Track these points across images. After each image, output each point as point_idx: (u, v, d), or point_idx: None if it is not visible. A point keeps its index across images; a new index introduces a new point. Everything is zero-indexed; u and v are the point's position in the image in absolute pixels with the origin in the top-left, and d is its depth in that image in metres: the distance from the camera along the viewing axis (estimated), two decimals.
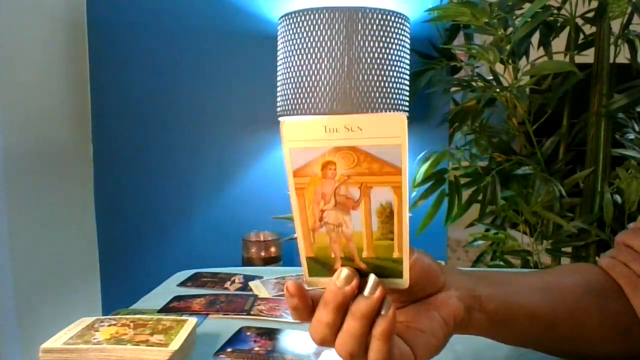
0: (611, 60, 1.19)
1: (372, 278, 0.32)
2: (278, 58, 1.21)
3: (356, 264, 0.33)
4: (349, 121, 0.29)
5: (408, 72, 1.20)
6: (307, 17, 1.10)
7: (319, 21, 1.10)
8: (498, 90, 1.21)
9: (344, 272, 0.32)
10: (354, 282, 0.32)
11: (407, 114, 1.20)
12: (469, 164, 1.25)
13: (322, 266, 0.34)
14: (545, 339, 0.43)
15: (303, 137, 0.30)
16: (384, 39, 1.11)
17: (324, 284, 0.33)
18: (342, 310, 0.32)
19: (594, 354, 0.45)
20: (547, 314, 0.42)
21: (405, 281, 0.32)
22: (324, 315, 0.32)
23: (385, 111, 1.13)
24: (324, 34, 1.09)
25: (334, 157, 0.30)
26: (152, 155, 1.48)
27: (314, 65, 1.11)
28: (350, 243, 0.32)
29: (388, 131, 0.28)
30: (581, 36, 1.26)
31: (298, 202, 0.32)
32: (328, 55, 1.10)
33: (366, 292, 0.31)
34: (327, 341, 0.33)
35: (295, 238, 0.33)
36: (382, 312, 0.31)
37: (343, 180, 0.31)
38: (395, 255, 0.31)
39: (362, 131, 0.29)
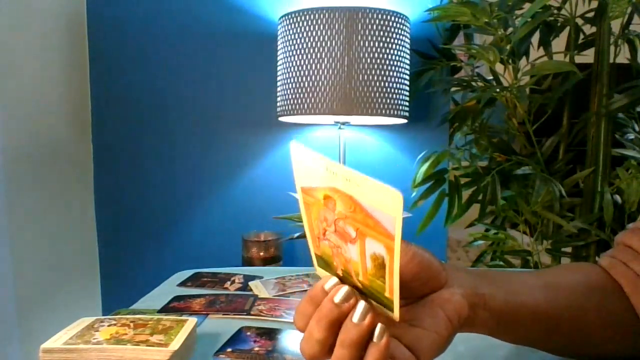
0: (611, 60, 1.19)
1: (361, 305, 0.31)
2: (278, 58, 1.21)
3: (354, 281, 0.32)
4: (348, 174, 0.28)
5: (408, 72, 1.20)
6: (307, 17, 1.10)
7: (319, 21, 1.10)
8: (498, 90, 1.21)
9: (343, 289, 0.31)
10: (352, 301, 0.31)
11: (407, 119, 1.20)
12: (469, 164, 1.25)
13: (326, 265, 0.34)
14: (547, 337, 0.43)
15: (307, 166, 0.31)
16: (384, 39, 1.11)
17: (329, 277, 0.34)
18: (336, 327, 0.31)
19: (596, 353, 0.45)
20: (549, 313, 0.42)
21: (395, 316, 0.32)
22: (316, 331, 0.31)
23: (386, 112, 1.13)
24: (324, 34, 1.10)
25: (334, 194, 0.30)
26: (152, 155, 1.48)
27: (314, 65, 1.11)
28: (349, 264, 0.32)
29: (384, 201, 0.27)
30: (581, 36, 1.26)
31: (306, 213, 0.33)
32: (328, 55, 1.10)
33: (355, 318, 0.30)
34: (316, 358, 0.32)
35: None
36: (375, 340, 0.30)
37: (342, 217, 0.30)
38: (387, 294, 0.31)
39: (359, 187, 0.28)
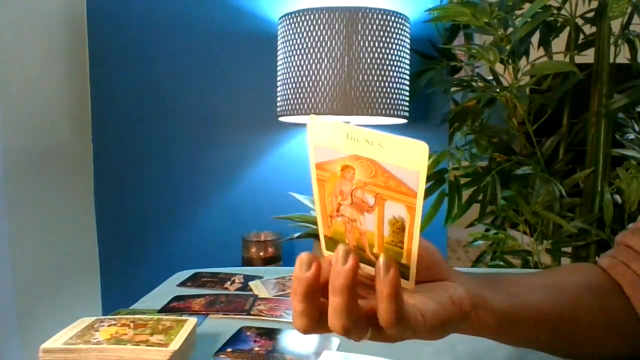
0: (611, 60, 1.19)
1: (340, 249, 0.30)
2: (278, 58, 1.21)
3: (367, 255, 0.33)
4: (370, 136, 0.29)
5: (408, 72, 1.20)
6: (307, 17, 1.10)
7: (319, 21, 1.10)
8: (498, 90, 1.21)
9: (305, 257, 0.31)
10: (314, 267, 0.31)
11: (407, 119, 1.20)
12: (469, 164, 1.25)
13: (337, 245, 0.34)
14: (548, 339, 0.43)
15: (326, 137, 0.31)
16: (384, 39, 1.11)
17: None
18: (311, 297, 0.31)
19: (596, 354, 0.45)
20: (550, 314, 0.42)
21: (411, 284, 0.32)
22: (295, 304, 0.32)
23: (386, 112, 1.13)
24: (324, 34, 1.10)
25: (353, 162, 0.31)
26: (152, 155, 1.48)
27: (314, 65, 1.11)
28: (363, 237, 0.33)
29: (408, 156, 0.28)
30: (581, 36, 1.26)
31: (319, 191, 0.33)
32: (328, 55, 1.10)
33: (338, 264, 0.30)
34: (309, 330, 0.33)
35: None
36: (383, 275, 0.30)
37: (360, 185, 0.31)
38: (404, 261, 0.31)
39: (382, 148, 0.29)
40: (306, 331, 0.33)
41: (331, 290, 0.30)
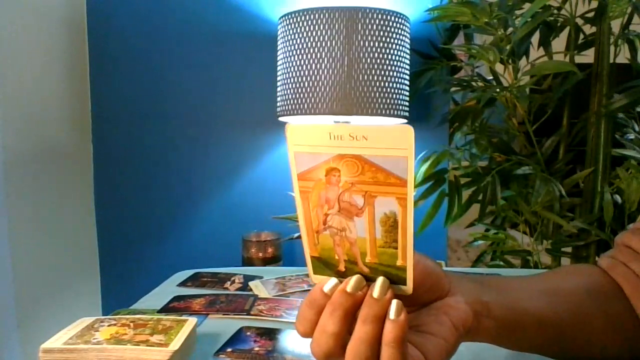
0: (611, 60, 1.19)
1: (380, 280, 0.31)
2: (278, 58, 1.21)
3: (359, 267, 0.32)
4: (354, 130, 0.28)
5: (408, 72, 1.20)
6: (307, 17, 1.10)
7: (319, 21, 1.10)
8: (498, 90, 1.21)
9: (354, 277, 0.31)
10: (365, 289, 0.31)
11: (407, 119, 1.20)
12: (469, 164, 1.25)
13: (325, 266, 0.34)
14: (551, 343, 0.43)
15: (307, 142, 0.30)
16: (384, 39, 1.11)
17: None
18: (350, 318, 0.31)
19: (598, 356, 0.45)
20: (551, 318, 0.42)
21: (409, 288, 0.32)
22: (330, 324, 0.31)
23: (386, 112, 1.13)
24: (324, 34, 1.09)
25: (338, 164, 0.30)
26: (152, 155, 1.48)
27: (314, 65, 1.11)
28: (354, 247, 0.32)
29: (394, 143, 0.28)
30: (581, 36, 1.26)
31: (302, 205, 0.32)
32: (328, 55, 1.10)
33: (375, 294, 0.30)
34: (332, 355, 0.31)
35: (299, 237, 0.34)
36: (392, 317, 0.30)
37: (347, 187, 0.30)
38: (399, 263, 0.31)
39: (367, 140, 0.28)
40: (330, 356, 0.31)
41: (362, 319, 0.30)
